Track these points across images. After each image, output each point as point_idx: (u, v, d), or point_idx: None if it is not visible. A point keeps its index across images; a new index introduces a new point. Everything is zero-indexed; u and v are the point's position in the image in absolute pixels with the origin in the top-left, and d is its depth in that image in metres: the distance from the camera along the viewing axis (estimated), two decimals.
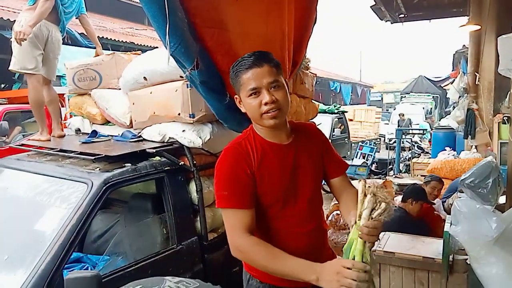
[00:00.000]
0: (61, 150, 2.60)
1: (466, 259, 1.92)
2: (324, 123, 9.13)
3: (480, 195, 1.81)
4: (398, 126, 13.76)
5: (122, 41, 9.09)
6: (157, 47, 3.36)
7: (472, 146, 6.44)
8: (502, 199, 2.20)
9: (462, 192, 2.05)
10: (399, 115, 16.02)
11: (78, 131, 3.28)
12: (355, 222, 1.26)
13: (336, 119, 10.23)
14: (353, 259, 1.22)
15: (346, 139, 10.29)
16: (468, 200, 1.87)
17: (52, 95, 3.26)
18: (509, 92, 2.52)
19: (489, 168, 1.86)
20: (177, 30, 1.92)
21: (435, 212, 3.84)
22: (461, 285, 2.02)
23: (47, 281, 1.76)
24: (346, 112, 11.25)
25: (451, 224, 1.92)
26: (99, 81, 3.13)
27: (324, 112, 9.93)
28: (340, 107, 11.49)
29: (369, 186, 1.23)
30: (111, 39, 8.75)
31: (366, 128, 13.92)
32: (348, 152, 10.18)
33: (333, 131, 9.84)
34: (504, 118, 2.68)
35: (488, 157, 2.14)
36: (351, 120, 12.89)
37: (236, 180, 1.46)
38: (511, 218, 1.86)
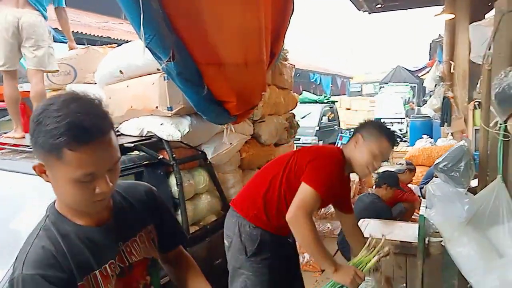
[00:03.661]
0: (15, 145, 2.55)
1: (441, 241, 1.98)
2: (314, 112, 9.75)
3: (453, 179, 1.86)
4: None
5: (97, 35, 8.90)
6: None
7: (448, 133, 6.58)
8: (474, 183, 2.27)
9: (437, 177, 2.11)
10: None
11: None
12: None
13: (327, 108, 10.90)
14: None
15: (335, 127, 11.17)
16: (441, 184, 1.92)
17: (36, 91, 2.94)
18: (481, 79, 2.59)
19: (462, 152, 1.91)
20: (152, 21, 1.90)
21: (409, 195, 3.94)
22: (437, 266, 2.09)
23: None
24: (336, 101, 11.98)
25: (426, 208, 1.98)
26: (74, 75, 3.07)
27: (315, 102, 10.64)
28: (330, 97, 12.13)
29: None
30: (86, 33, 8.54)
31: (362, 116, 14.92)
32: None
33: (321, 119, 10.44)
34: (476, 103, 2.76)
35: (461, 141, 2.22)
36: (348, 109, 13.87)
37: (333, 181, 1.83)
38: (483, 200, 1.92)
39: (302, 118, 9.70)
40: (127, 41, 4.09)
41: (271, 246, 1.92)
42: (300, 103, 11.46)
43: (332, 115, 11.21)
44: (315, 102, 11.16)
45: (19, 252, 0.94)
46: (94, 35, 8.81)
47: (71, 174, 0.86)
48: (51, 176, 0.90)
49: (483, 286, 1.83)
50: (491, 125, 2.05)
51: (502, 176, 1.96)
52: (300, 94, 11.28)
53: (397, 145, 2.06)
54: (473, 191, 2.04)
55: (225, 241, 2.08)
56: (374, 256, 1.78)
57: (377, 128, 1.94)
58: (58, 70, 3.01)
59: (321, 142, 9.80)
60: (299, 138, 9.38)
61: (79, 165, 0.86)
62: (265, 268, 1.91)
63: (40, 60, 2.88)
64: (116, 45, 3.57)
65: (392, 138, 1.94)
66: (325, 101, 11.39)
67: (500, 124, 1.94)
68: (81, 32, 8.31)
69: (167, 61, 2.04)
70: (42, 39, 2.89)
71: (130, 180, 1.38)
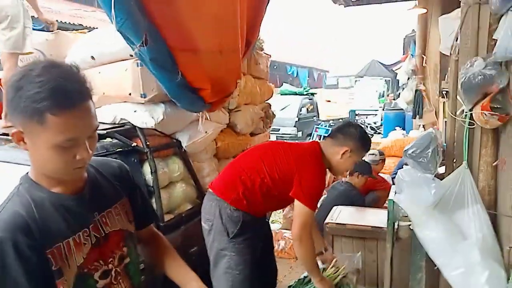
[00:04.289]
0: (4, 134, 2.47)
1: (409, 224, 2.05)
2: (293, 104, 9.97)
3: (421, 164, 1.92)
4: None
5: (69, 23, 8.66)
6: None
7: (420, 125, 6.76)
8: (441, 170, 2.35)
9: (407, 165, 2.18)
10: None
11: None
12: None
13: (306, 100, 10.90)
14: None
15: (314, 117, 11.45)
16: (410, 170, 1.98)
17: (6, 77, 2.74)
18: (449, 69, 2.67)
19: (429, 139, 1.97)
20: (124, 4, 1.86)
21: (381, 183, 4.05)
22: (405, 249, 2.16)
23: None
24: (315, 94, 12.24)
25: (395, 193, 2.04)
26: None
27: (295, 94, 10.90)
28: (309, 89, 12.39)
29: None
30: (57, 21, 8.27)
31: (341, 108, 15.44)
32: None
33: (301, 111, 10.50)
34: (443, 92, 2.85)
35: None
36: (328, 101, 14.24)
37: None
38: (449, 185, 1.99)
39: (282, 109, 9.84)
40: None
41: (252, 226, 2.01)
42: (281, 95, 11.69)
43: (312, 106, 11.47)
44: (295, 94, 11.44)
45: None
46: (65, 22, 8.56)
47: (52, 139, 0.86)
48: (30, 143, 0.90)
49: (449, 267, 1.91)
50: (457, 113, 2.12)
51: (467, 162, 2.04)
52: (278, 87, 11.42)
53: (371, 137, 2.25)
54: (441, 177, 2.11)
55: (204, 225, 2.10)
56: (338, 275, 2.17)
57: (362, 142, 2.14)
58: (32, 52, 2.86)
59: (300, 133, 9.97)
60: (279, 129, 9.49)
61: (61, 130, 0.86)
62: (247, 247, 1.99)
63: (15, 41, 2.72)
64: (87, 31, 3.48)
65: (369, 147, 2.28)
66: (305, 93, 11.74)
67: (466, 113, 2.01)
68: None
69: (139, 46, 2.01)
70: (16, 20, 2.74)
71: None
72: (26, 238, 0.88)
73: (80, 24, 8.93)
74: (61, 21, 8.37)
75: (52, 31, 3.14)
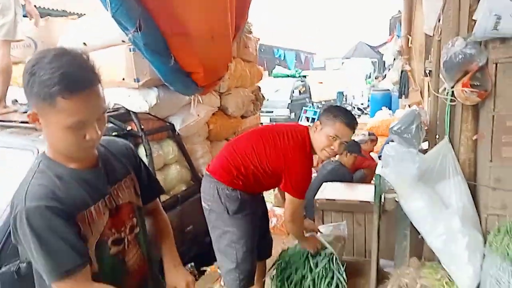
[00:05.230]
0: (1, 121, 2.51)
1: (395, 197, 2.17)
2: (286, 86, 10.11)
3: (406, 140, 2.03)
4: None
5: (51, 9, 8.45)
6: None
7: (406, 105, 6.90)
8: (425, 145, 2.48)
9: (393, 142, 2.29)
10: None
11: (15, 101, 3.14)
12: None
13: (298, 83, 11.32)
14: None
15: (306, 99, 11.64)
16: (395, 145, 2.09)
17: (3, 63, 2.80)
18: (432, 49, 2.77)
19: (413, 115, 2.08)
20: None
21: (369, 161, 4.18)
22: (391, 220, 2.30)
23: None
24: (307, 76, 12.34)
25: (382, 167, 2.15)
26: (34, 48, 2.99)
27: (287, 76, 11.02)
28: (301, 72, 12.49)
29: None
30: (38, 6, 8.08)
31: (334, 90, 15.82)
32: None
33: (293, 93, 10.84)
34: (427, 71, 2.95)
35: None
36: (321, 83, 14.35)
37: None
38: (432, 158, 2.11)
39: (275, 92, 9.95)
40: (82, 14, 3.96)
41: (250, 203, 2.14)
42: (274, 77, 11.76)
43: (304, 89, 11.58)
44: (287, 76, 11.58)
45: (14, 194, 1.00)
46: (47, 8, 8.35)
47: (63, 121, 0.93)
48: (44, 123, 0.97)
49: (432, 234, 2.05)
50: (440, 91, 2.23)
51: (449, 137, 2.16)
52: (266, 70, 11.43)
53: (356, 122, 2.25)
54: (424, 153, 2.23)
55: (204, 205, 2.21)
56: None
57: (332, 112, 2.13)
58: (23, 40, 2.89)
59: (293, 115, 10.12)
60: (272, 111, 9.61)
61: (71, 113, 0.93)
62: (247, 223, 2.13)
63: (8, 29, 2.74)
64: (77, 16, 3.47)
65: (348, 120, 2.12)
66: (297, 75, 11.90)
67: (448, 90, 2.12)
68: (35, 5, 7.86)
69: (133, 32, 2.06)
70: (7, 7, 2.76)
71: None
72: (58, 204, 0.97)
73: (64, 10, 8.75)
74: (42, 7, 8.17)
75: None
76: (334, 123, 2.08)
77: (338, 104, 9.80)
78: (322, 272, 2.26)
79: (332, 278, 2.24)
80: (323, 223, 2.81)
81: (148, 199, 1.32)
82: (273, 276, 2.42)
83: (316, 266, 2.30)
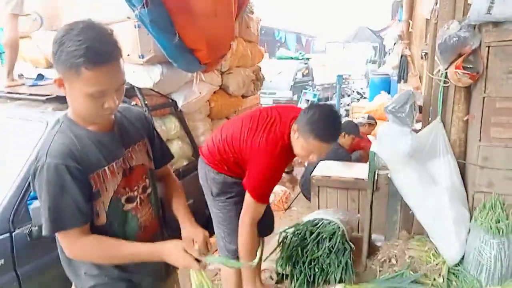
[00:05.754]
0: (8, 93, 2.58)
1: (388, 173, 2.28)
2: (289, 68, 10.16)
3: (399, 119, 2.12)
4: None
5: None
6: None
7: (404, 89, 6.95)
8: (418, 126, 2.57)
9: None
10: None
11: (21, 76, 3.21)
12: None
13: (301, 65, 11.40)
14: None
15: (309, 82, 11.65)
16: (390, 124, 2.19)
17: (10, 37, 2.81)
18: (428, 32, 2.83)
19: (407, 96, 2.17)
20: None
21: (366, 142, 4.29)
22: (384, 195, 2.40)
23: (13, 212, 1.88)
24: (311, 58, 12.75)
25: (376, 145, 2.25)
26: (41, 22, 3.03)
27: (291, 58, 11.56)
28: (305, 54, 12.50)
29: None
30: None
31: (335, 74, 15.61)
32: None
33: (296, 75, 10.88)
34: (422, 54, 3.02)
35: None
36: (324, 66, 14.33)
37: (276, 178, 1.97)
38: (424, 137, 2.22)
39: (278, 73, 10.01)
40: None
41: (233, 186, 2.10)
42: (277, 59, 11.74)
43: (307, 71, 11.61)
44: (291, 58, 11.63)
45: (40, 147, 1.12)
46: None
47: (85, 89, 1.03)
48: (68, 89, 1.07)
49: (421, 208, 2.16)
50: (434, 73, 2.31)
51: (441, 117, 2.25)
52: (266, 52, 11.41)
53: (338, 131, 1.78)
54: (417, 132, 2.33)
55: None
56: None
57: (311, 121, 1.78)
58: (30, 14, 2.95)
59: (295, 96, 10.20)
60: (275, 92, 9.68)
61: (93, 83, 1.02)
62: (230, 205, 2.11)
63: (16, 3, 2.78)
64: None
65: (325, 135, 1.77)
66: (300, 58, 11.85)
67: (442, 72, 2.21)
68: None
69: (140, 8, 2.12)
70: None
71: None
72: (75, 163, 1.08)
73: None
74: None
75: None
76: (309, 137, 1.77)
77: (337, 88, 9.77)
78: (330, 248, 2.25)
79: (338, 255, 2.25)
80: (318, 199, 2.92)
81: (160, 164, 1.42)
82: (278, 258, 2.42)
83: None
